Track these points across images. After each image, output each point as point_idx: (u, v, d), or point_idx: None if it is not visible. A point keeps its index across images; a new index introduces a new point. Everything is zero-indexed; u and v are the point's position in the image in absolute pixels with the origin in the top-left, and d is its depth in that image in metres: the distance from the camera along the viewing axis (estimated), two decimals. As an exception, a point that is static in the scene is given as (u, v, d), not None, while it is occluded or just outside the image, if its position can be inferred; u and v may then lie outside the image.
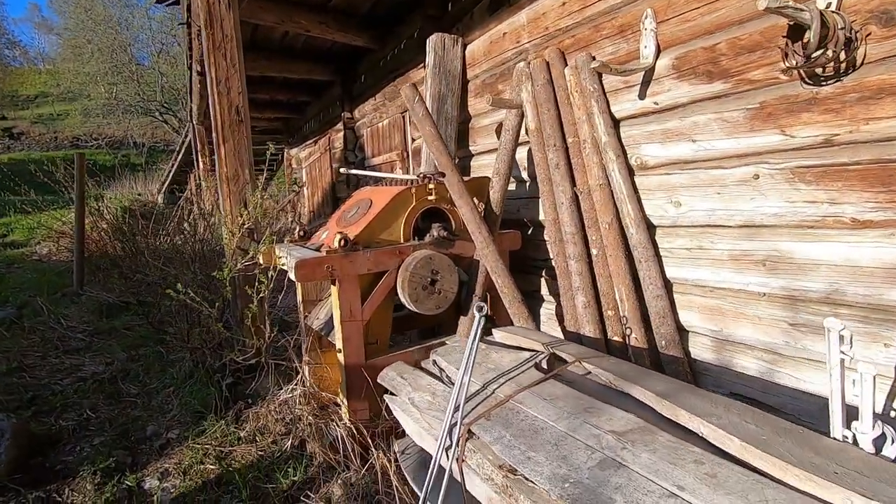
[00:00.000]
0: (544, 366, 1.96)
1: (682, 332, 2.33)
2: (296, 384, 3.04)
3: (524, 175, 3.28)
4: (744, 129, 1.99)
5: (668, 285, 2.36)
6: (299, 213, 10.53)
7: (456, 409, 1.69)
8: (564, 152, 2.66)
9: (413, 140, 4.75)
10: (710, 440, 1.27)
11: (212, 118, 3.10)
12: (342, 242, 2.49)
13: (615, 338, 2.47)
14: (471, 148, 3.82)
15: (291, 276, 2.42)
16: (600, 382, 1.76)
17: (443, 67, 3.66)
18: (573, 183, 2.64)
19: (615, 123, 2.53)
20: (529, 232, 3.30)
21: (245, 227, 3.02)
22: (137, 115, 26.25)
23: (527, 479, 1.29)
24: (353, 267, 2.54)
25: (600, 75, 2.54)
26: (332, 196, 7.40)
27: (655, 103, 2.34)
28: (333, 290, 2.56)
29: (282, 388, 3.07)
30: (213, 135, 3.10)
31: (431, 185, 2.83)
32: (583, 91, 2.58)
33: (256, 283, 2.87)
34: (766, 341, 2.02)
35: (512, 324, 3.17)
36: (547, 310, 3.26)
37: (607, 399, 1.57)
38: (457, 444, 1.60)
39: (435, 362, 2.23)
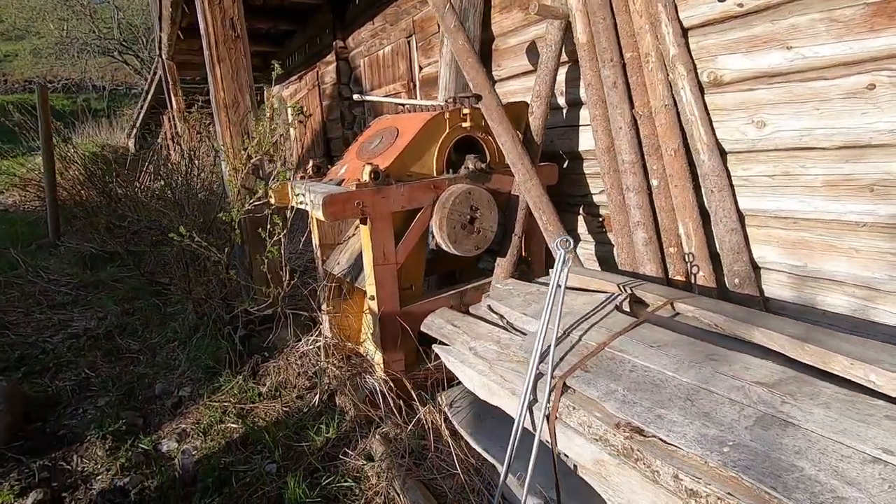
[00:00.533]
0: (626, 308, 1.73)
1: (755, 270, 2.12)
2: (317, 335, 2.80)
3: (560, 101, 2.93)
4: (860, 29, 1.69)
5: (741, 218, 2.12)
6: (284, 156, 9.94)
7: (541, 359, 1.46)
8: (622, 69, 2.33)
9: (421, 68, 4.29)
10: (887, 392, 1.06)
11: (203, 34, 2.64)
12: (373, 175, 2.16)
13: (678, 277, 2.25)
14: (494, 73, 3.43)
15: (318, 214, 2.10)
16: (702, 327, 1.55)
17: (463, -23, 3.19)
18: (632, 105, 2.32)
19: (684, 33, 2.19)
20: (565, 165, 3.01)
21: (252, 162, 2.65)
22: (94, 54, 24.21)
23: (664, 441, 1.08)
24: (387, 203, 2.23)
25: (668, -26, 2.17)
26: (322, 137, 6.89)
27: (740, 5, 2.00)
28: (364, 230, 2.26)
29: (301, 340, 2.82)
30: (206, 54, 2.65)
31: (466, 111, 2.48)
32: (646, -6, 2.21)
33: (270, 226, 2.54)
34: (864, 276, 1.82)
35: (550, 266, 2.94)
36: (585, 250, 3.03)
37: (725, 346, 1.35)
38: (548, 400, 1.38)
39: (490, 307, 1.99)
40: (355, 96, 3.06)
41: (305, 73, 7.22)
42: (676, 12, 2.18)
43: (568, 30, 2.57)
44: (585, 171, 2.90)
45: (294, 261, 3.98)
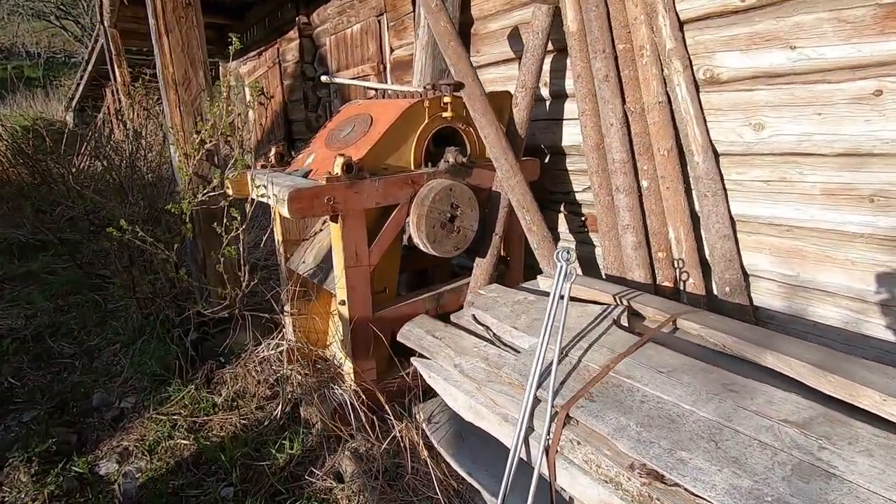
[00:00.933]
0: (624, 323, 1.61)
1: (745, 277, 2.05)
2: (279, 338, 2.57)
3: (544, 92, 2.78)
4: (870, 32, 1.61)
5: (733, 224, 2.04)
6: (241, 140, 9.38)
7: (540, 384, 1.31)
8: (614, 61, 2.19)
9: (392, 50, 4.03)
10: (929, 433, 0.97)
11: (147, 3, 2.31)
12: (345, 168, 1.95)
13: (666, 283, 2.16)
14: (472, 59, 3.22)
15: (283, 210, 1.87)
16: (708, 346, 1.44)
17: (442, -47, 2.96)
18: (623, 100, 2.19)
19: (680, 26, 2.07)
20: (547, 160, 2.87)
21: (206, 147, 2.37)
22: (27, 18, 22.18)
23: (689, 491, 0.95)
24: (360, 199, 2.02)
25: (667, -38, 2.04)
26: (283, 119, 6.50)
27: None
28: (334, 228, 2.04)
29: (261, 344, 2.59)
30: (152, 22, 2.33)
31: (447, 99, 2.29)
32: (643, -18, 2.08)
33: (226, 220, 2.28)
34: (859, 288, 1.77)
35: (532, 268, 2.81)
36: (564, 249, 2.90)
37: (739, 371, 1.25)
38: (548, 432, 1.23)
39: (475, 317, 1.83)
40: (323, 78, 2.80)
41: (265, 50, 6.77)
42: (674, 3, 2.05)
43: (556, 16, 2.41)
44: (568, 168, 2.77)
45: (253, 253, 3.69)
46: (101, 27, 8.09)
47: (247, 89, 7.90)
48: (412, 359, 1.83)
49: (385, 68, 4.16)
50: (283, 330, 2.62)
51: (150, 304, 2.78)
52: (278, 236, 2.56)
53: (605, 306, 1.68)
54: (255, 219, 2.60)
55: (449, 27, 2.25)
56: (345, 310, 2.12)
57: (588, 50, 2.26)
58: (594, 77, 2.23)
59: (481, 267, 2.49)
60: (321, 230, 2.58)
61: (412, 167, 2.27)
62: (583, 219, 2.76)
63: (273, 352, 2.55)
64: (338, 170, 1.94)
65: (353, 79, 4.48)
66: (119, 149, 4.05)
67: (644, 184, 2.19)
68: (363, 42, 4.33)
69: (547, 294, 1.93)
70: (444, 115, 2.32)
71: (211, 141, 2.36)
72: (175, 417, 2.32)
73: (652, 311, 1.60)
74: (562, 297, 1.33)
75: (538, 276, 2.03)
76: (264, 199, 2.13)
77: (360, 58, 4.44)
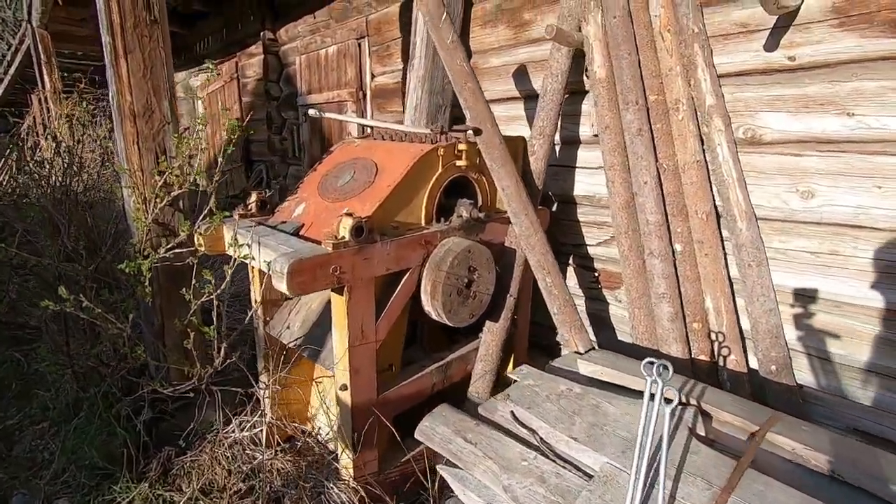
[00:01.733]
0: (700, 431, 1.38)
1: (789, 354, 1.90)
2: (254, 415, 2.18)
3: (555, 137, 2.57)
4: (943, 105, 1.50)
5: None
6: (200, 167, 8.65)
7: (637, 538, 1.04)
8: (647, 114, 2.01)
9: (373, 76, 3.73)
10: None
11: (101, 13, 1.90)
12: (355, 231, 1.62)
13: (701, 356, 1.98)
14: (469, 94, 2.99)
15: (280, 285, 1.51)
16: (811, 467, 1.23)
17: (441, -20, 2.71)
18: (656, 157, 2.01)
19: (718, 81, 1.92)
20: (554, 208, 2.65)
21: (174, 194, 1.96)
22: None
23: None
24: (370, 267, 1.70)
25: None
26: (241, 138, 5.98)
27: (791, 58, 1.76)
28: (337, 300, 1.70)
29: (231, 423, 2.18)
30: (106, 41, 1.92)
31: (463, 147, 2.02)
32: (680, 31, 1.92)
33: (194, 282, 1.88)
34: (920, 374, 1.65)
35: (538, 322, 2.59)
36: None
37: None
38: None
39: (516, 416, 1.54)
40: (311, 112, 2.45)
41: (221, 63, 6.25)
42: (712, 56, 1.91)
43: (576, 59, 2.22)
44: (580, 219, 2.56)
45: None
46: (27, 26, 7.24)
47: (199, 104, 7.30)
48: (439, 468, 1.52)
49: (364, 95, 3.85)
50: (260, 406, 2.22)
51: (90, 374, 2.29)
52: (256, 294, 2.17)
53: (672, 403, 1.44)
54: (238, 276, 2.20)
55: (466, 67, 1.99)
56: (346, 395, 1.77)
57: (617, 99, 2.07)
58: (625, 130, 2.04)
59: (493, 333, 2.22)
60: (308, 288, 2.21)
61: (423, 222, 1.98)
62: (595, 274, 2.56)
63: (247, 433, 2.15)
64: (346, 233, 1.62)
65: (317, 106, 4.13)
66: (47, 164, 3.46)
67: (678, 248, 2.00)
68: (340, 65, 4.01)
69: (592, 381, 1.68)
70: (459, 163, 2.05)
71: (179, 186, 1.95)
72: (123, 527, 1.87)
73: (728, 416, 1.38)
74: (662, 441, 1.08)
75: (575, 357, 1.78)
76: (249, 262, 1.76)
77: (335, 81, 4.11)
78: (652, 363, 1.13)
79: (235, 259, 1.78)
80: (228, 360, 1.95)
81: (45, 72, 7.04)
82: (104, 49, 1.97)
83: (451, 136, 2.06)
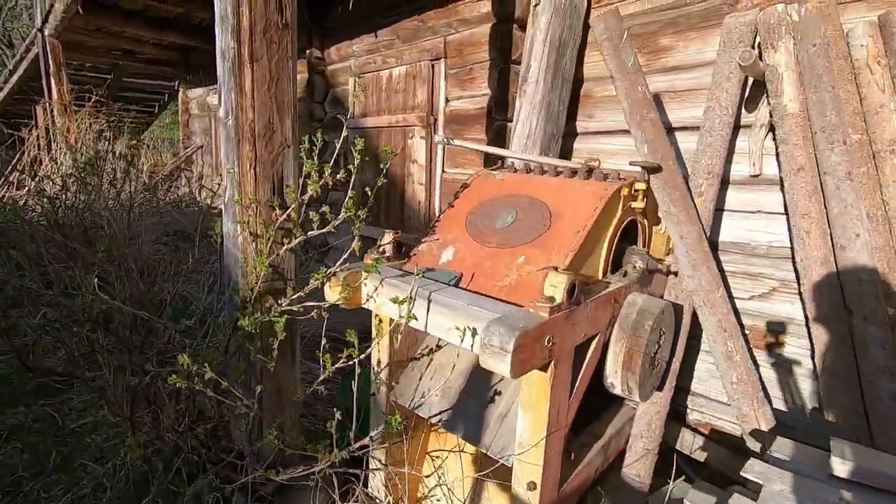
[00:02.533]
0: None
1: None
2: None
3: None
4: None
5: None
6: (200, 173, 8.22)
7: None
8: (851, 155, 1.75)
9: (448, 101, 3.45)
10: None
11: (226, 15, 1.57)
12: (570, 291, 1.29)
13: (923, 441, 1.67)
14: (579, 123, 2.73)
15: (496, 364, 1.16)
16: None
17: None
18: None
19: (939, 121, 1.68)
20: (689, 255, 2.36)
21: (298, 237, 1.60)
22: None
23: None
24: (573, 334, 1.37)
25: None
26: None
27: None
28: (535, 377, 1.35)
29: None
30: (228, 47, 1.58)
31: (641, 186, 1.72)
32: (894, 64, 1.68)
33: (324, 342, 1.50)
34: None
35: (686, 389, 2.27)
36: (709, 363, 2.38)
37: None
38: None
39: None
40: (436, 138, 2.15)
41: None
42: (932, 94, 1.67)
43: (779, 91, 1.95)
44: (725, 268, 2.27)
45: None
46: (38, 35, 6.82)
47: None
48: None
49: (436, 120, 3.55)
50: (369, 490, 1.83)
51: (166, 442, 1.86)
52: (380, 355, 1.80)
53: None
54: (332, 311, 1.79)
55: (648, 94, 1.71)
56: (534, 497, 1.40)
57: (812, 137, 1.80)
58: (826, 173, 1.77)
59: (658, 404, 1.88)
60: (438, 346, 1.85)
61: (600, 275, 1.66)
62: (746, 332, 2.25)
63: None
64: (558, 294, 1.28)
65: (375, 129, 3.83)
66: (82, 179, 3.02)
67: (891, 311, 1.72)
68: (407, 88, 3.72)
69: (843, 483, 1.35)
70: (635, 205, 1.74)
71: (296, 222, 1.59)
72: None
73: None
74: None
75: (807, 449, 1.45)
76: (417, 326, 1.40)
77: (400, 105, 3.81)
78: None
79: (389, 319, 1.42)
80: (360, 442, 1.56)
81: (53, 82, 6.60)
82: (221, 57, 1.64)
83: (615, 175, 1.76)
